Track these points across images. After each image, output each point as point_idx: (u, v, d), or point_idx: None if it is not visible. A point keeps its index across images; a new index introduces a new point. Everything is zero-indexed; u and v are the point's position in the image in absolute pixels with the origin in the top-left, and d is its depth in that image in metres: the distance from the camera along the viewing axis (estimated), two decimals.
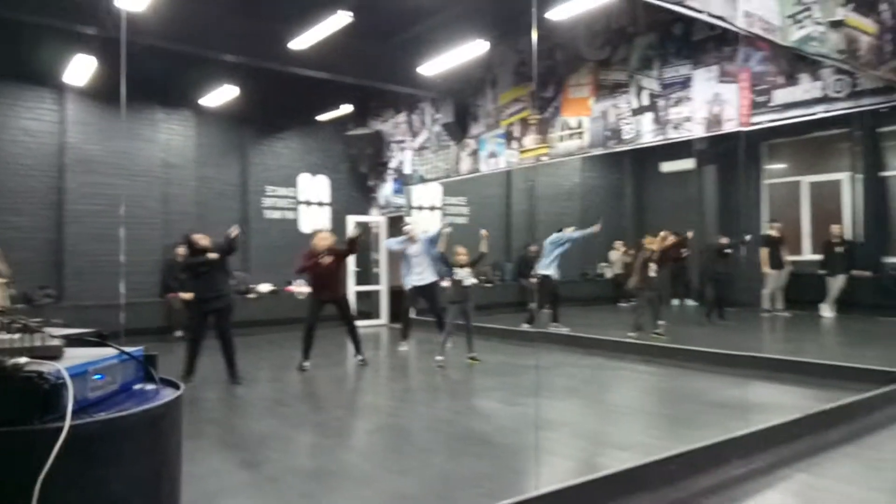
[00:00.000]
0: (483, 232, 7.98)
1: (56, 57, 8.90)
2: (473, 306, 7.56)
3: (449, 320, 7.56)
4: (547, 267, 9.67)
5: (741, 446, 3.83)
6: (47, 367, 1.36)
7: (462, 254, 7.63)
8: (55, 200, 9.49)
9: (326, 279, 7.55)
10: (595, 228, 9.76)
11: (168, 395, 1.63)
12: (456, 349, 7.67)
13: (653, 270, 8.92)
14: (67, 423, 1.29)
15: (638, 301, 9.14)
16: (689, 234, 10.74)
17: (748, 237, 10.85)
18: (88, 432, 1.35)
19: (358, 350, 7.67)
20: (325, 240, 7.59)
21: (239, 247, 6.93)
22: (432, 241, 8.29)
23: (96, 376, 1.51)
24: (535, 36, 6.05)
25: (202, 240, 6.71)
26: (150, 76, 9.68)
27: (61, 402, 1.32)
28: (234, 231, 6.68)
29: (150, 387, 1.73)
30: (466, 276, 7.46)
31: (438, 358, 7.34)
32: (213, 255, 6.60)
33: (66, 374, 1.34)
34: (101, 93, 9.54)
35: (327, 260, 7.47)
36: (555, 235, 9.87)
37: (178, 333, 9.60)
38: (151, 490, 1.49)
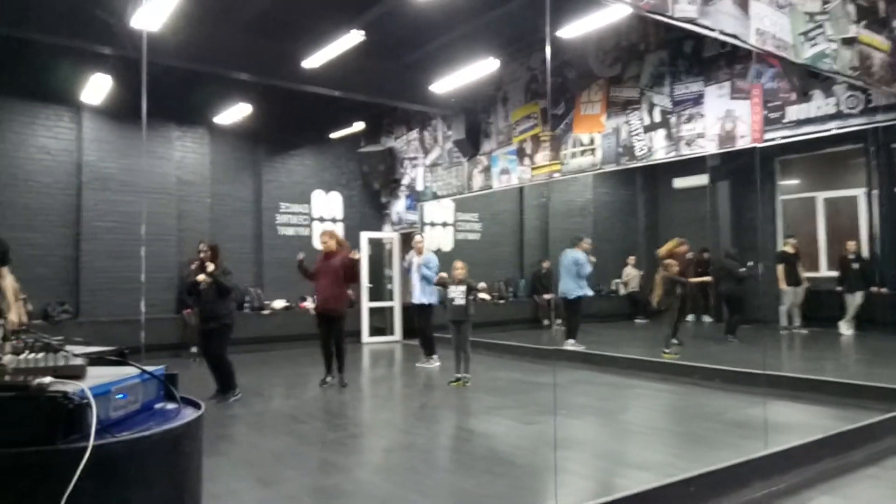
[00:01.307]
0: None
1: (73, 76, 9.04)
2: (469, 326, 7.31)
3: (452, 339, 7.42)
4: (579, 288, 9.46)
5: (762, 467, 3.77)
6: (71, 386, 1.37)
7: (459, 268, 7.38)
8: (72, 218, 9.59)
9: (328, 289, 7.23)
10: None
11: (189, 414, 1.63)
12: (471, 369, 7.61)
13: (678, 287, 8.85)
14: (91, 443, 1.29)
15: (670, 318, 8.94)
16: (706, 255, 10.75)
17: (749, 264, 10.78)
18: (112, 452, 1.35)
19: (340, 369, 7.35)
20: (326, 243, 7.28)
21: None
22: (429, 267, 8.51)
23: (119, 395, 1.51)
24: (548, 52, 6.07)
25: (207, 260, 6.54)
26: (165, 94, 9.82)
27: (85, 422, 1.32)
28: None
29: (170, 406, 1.73)
30: (459, 296, 7.25)
31: (455, 378, 7.29)
32: (202, 278, 6.48)
33: (90, 395, 1.35)
34: (118, 111, 9.67)
35: (332, 264, 7.18)
36: (579, 255, 9.56)
37: (193, 350, 9.62)
38: None
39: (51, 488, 1.26)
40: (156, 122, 10.27)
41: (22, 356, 1.56)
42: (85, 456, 1.27)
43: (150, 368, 1.68)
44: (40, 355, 1.57)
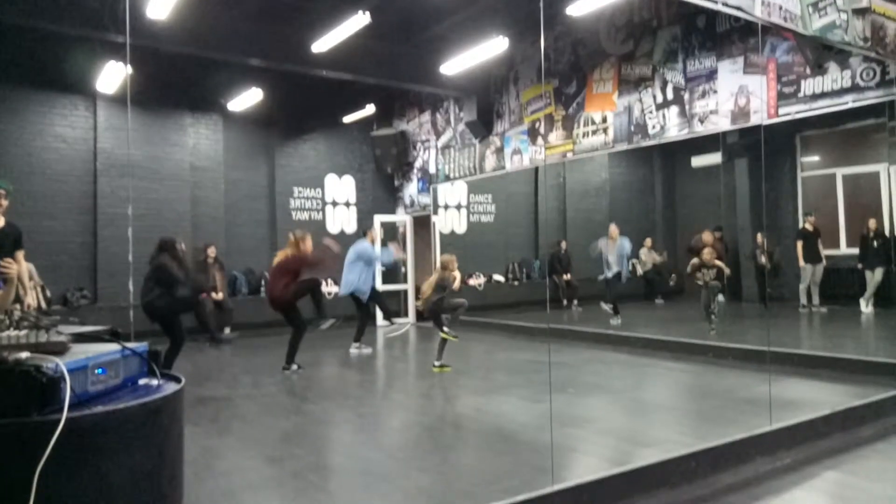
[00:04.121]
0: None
1: (88, 65, 9.14)
2: (446, 318, 7.20)
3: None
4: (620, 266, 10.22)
5: (766, 443, 3.75)
6: (46, 361, 1.40)
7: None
8: (89, 205, 9.74)
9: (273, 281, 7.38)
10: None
11: (169, 389, 1.66)
12: (489, 349, 7.64)
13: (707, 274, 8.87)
14: (64, 415, 1.33)
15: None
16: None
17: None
18: (87, 424, 1.39)
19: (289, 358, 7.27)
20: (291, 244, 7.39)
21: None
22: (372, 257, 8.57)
23: (98, 370, 1.55)
24: (542, 31, 6.01)
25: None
26: (178, 82, 9.91)
27: (59, 396, 1.36)
28: None
29: (154, 382, 1.77)
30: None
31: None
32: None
33: (63, 368, 1.38)
34: (132, 99, 9.77)
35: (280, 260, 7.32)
36: (625, 241, 10.30)
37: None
38: (151, 481, 1.52)
39: (27, 458, 1.30)
40: (169, 109, 10.36)
41: (5, 333, 1.60)
42: (58, 428, 1.31)
43: (131, 345, 1.72)
44: (23, 332, 1.61)
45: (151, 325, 6.30)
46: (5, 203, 5.18)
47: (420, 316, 11.93)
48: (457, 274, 7.20)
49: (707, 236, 9.69)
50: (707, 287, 8.84)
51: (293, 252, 7.34)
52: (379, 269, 11.65)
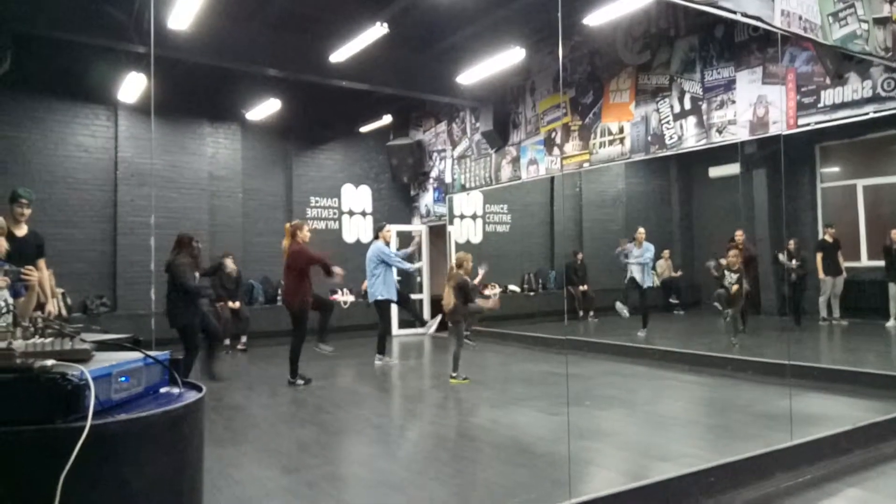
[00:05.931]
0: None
1: (110, 75, 9.28)
2: (462, 327, 7.17)
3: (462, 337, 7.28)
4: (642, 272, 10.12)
5: (786, 459, 3.70)
6: (72, 369, 1.42)
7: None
8: (109, 213, 9.86)
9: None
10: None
11: (190, 397, 1.67)
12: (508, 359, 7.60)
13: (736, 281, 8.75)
14: (89, 422, 1.34)
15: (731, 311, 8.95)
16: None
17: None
18: (110, 432, 1.40)
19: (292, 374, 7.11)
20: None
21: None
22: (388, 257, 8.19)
23: (121, 378, 1.56)
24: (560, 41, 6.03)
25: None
26: (197, 91, 10.03)
27: (84, 403, 1.37)
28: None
29: (175, 390, 1.78)
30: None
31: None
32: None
33: (88, 376, 1.39)
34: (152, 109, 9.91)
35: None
36: (649, 246, 10.24)
37: (227, 342, 9.82)
38: (172, 490, 1.53)
39: (51, 466, 1.31)
40: (188, 119, 10.48)
41: (31, 340, 1.62)
42: (83, 435, 1.32)
43: (153, 354, 1.73)
44: (48, 340, 1.63)
45: (173, 334, 6.36)
46: (28, 211, 5.27)
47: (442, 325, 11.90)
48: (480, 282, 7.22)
49: (739, 235, 9.70)
50: (725, 287, 8.76)
51: (290, 242, 7.15)
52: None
